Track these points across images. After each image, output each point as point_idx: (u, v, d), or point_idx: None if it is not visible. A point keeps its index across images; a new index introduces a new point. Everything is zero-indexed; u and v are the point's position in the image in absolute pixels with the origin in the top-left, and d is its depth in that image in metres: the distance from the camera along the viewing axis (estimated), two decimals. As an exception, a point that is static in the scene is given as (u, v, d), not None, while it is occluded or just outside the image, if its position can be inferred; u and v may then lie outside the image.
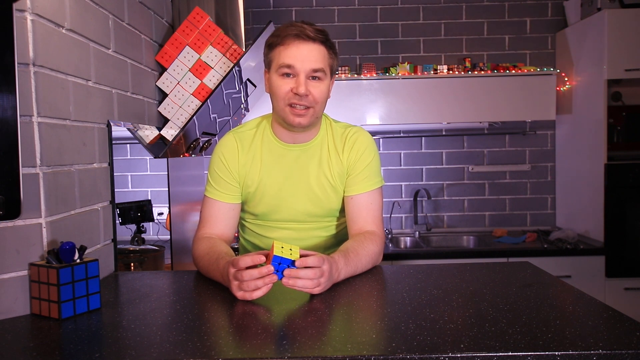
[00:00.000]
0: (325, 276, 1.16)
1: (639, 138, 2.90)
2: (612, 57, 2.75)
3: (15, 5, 1.10)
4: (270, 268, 1.12)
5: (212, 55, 2.07)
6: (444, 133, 3.31)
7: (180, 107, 2.05)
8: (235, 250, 1.70)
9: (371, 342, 0.93)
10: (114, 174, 1.58)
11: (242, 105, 2.62)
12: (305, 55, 1.33)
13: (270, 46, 1.38)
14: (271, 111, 1.47)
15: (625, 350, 0.87)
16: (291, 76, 1.34)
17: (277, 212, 1.47)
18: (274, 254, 1.11)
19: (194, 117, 2.04)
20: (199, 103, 2.06)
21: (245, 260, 1.14)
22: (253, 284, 1.12)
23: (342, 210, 1.51)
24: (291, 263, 1.13)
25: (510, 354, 0.86)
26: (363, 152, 1.46)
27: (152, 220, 2.23)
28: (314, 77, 1.35)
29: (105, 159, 1.54)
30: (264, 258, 1.14)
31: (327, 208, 1.48)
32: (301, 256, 1.16)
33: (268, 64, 1.40)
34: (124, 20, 1.71)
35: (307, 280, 1.13)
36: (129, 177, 2.29)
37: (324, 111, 1.52)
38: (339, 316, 1.08)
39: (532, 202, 3.34)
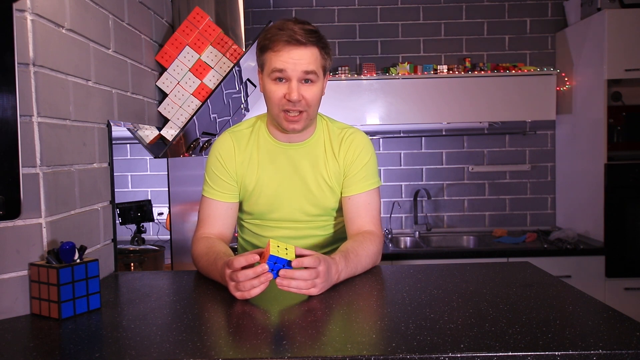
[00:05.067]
0: (321, 277, 1.16)
1: (639, 138, 2.90)
2: (612, 57, 2.75)
3: (15, 5, 1.10)
4: (265, 267, 1.12)
5: (212, 55, 2.07)
6: (444, 133, 3.31)
7: (180, 107, 2.05)
8: (234, 249, 1.69)
9: (371, 342, 0.93)
10: (114, 174, 1.58)
11: (242, 105, 2.62)
12: (296, 60, 1.31)
13: (261, 49, 1.37)
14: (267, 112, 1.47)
15: (625, 350, 0.87)
16: (283, 81, 1.33)
17: (275, 211, 1.47)
18: (270, 253, 1.11)
19: (194, 117, 2.04)
20: (199, 103, 2.06)
21: (240, 260, 1.14)
22: (249, 284, 1.13)
23: (339, 210, 1.51)
24: (287, 263, 1.13)
25: (510, 354, 0.86)
26: (360, 152, 1.46)
27: (152, 220, 2.24)
28: (306, 80, 1.34)
29: (105, 159, 1.54)
30: (258, 257, 1.15)
31: (324, 207, 1.48)
32: (298, 256, 1.16)
33: (261, 66, 1.40)
34: (124, 20, 1.71)
35: (301, 281, 1.13)
36: (129, 177, 2.29)
37: (322, 111, 1.53)
38: (339, 316, 1.08)
39: (532, 202, 3.34)
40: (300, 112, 1.35)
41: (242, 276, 1.13)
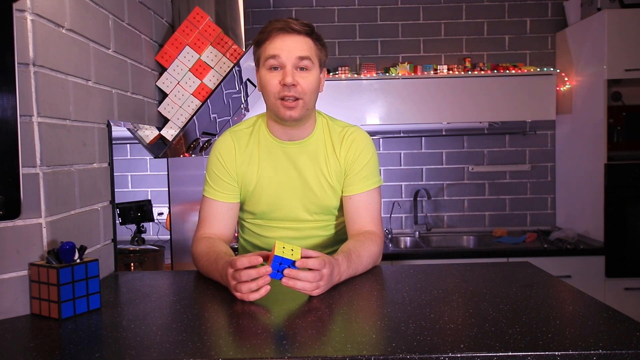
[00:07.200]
0: (324, 279, 1.16)
1: (639, 138, 2.90)
2: (612, 57, 2.75)
3: (15, 5, 1.10)
4: (268, 269, 1.12)
5: (212, 55, 2.07)
6: (444, 133, 3.31)
7: (180, 107, 2.05)
8: (235, 250, 1.69)
9: (371, 342, 0.93)
10: (114, 174, 1.58)
11: (242, 105, 2.62)
12: (290, 46, 1.33)
13: (257, 43, 1.38)
14: (266, 110, 1.47)
15: (625, 350, 0.87)
16: (279, 69, 1.34)
17: (276, 211, 1.47)
18: (275, 254, 1.11)
19: (194, 117, 2.04)
20: (199, 103, 2.06)
21: (243, 261, 1.14)
22: (250, 286, 1.13)
23: (341, 209, 1.51)
24: (292, 264, 1.13)
25: (510, 354, 0.86)
26: (361, 151, 1.46)
27: (152, 220, 2.23)
28: (301, 68, 1.35)
29: (105, 159, 1.54)
30: (261, 259, 1.15)
31: (325, 206, 1.48)
32: (303, 257, 1.16)
33: (257, 62, 1.40)
34: (124, 20, 1.71)
35: (306, 282, 1.14)
36: (129, 177, 2.29)
37: (322, 110, 1.53)
38: (339, 316, 1.08)
39: (532, 202, 3.34)
40: (296, 99, 1.34)
41: (244, 276, 1.13)
